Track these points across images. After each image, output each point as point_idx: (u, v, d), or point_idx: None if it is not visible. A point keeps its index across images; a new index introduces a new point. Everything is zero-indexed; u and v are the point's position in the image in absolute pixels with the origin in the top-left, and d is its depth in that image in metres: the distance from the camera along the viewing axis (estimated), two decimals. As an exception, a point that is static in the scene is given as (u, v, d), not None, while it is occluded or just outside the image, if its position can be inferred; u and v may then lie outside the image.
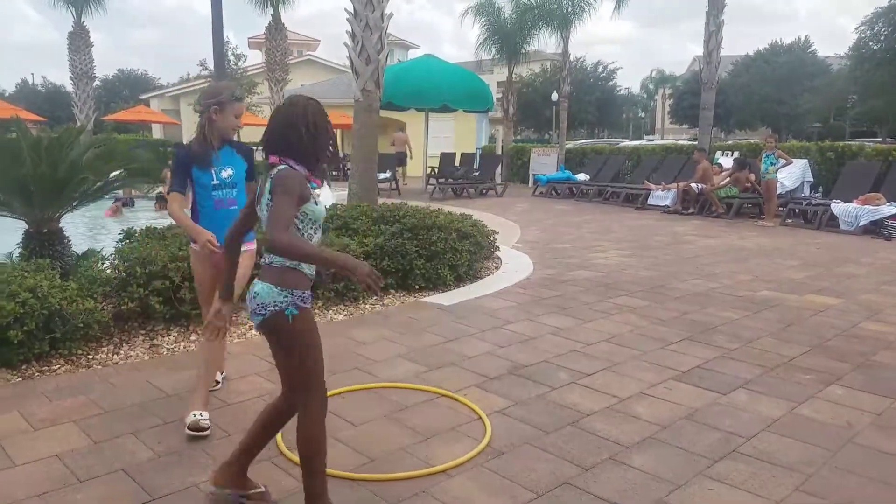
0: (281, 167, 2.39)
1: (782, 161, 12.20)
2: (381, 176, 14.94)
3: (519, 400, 3.77)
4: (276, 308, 2.34)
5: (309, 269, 2.42)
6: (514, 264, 7.69)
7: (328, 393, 3.75)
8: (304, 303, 2.39)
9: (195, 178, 3.49)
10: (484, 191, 17.55)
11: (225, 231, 3.00)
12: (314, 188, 2.45)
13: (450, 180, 17.25)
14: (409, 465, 3.01)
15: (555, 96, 25.26)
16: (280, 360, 2.45)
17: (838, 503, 2.75)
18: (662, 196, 14.53)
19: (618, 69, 45.18)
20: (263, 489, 2.66)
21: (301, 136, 2.39)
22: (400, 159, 19.79)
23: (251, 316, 2.42)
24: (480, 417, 3.50)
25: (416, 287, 6.23)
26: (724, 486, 2.88)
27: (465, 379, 4.08)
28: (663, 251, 9.01)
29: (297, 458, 2.97)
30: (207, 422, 3.26)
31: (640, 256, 8.56)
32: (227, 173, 3.50)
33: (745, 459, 3.11)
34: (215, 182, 3.48)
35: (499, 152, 23.02)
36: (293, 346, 2.40)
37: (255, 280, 2.43)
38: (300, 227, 2.41)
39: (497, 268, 7.49)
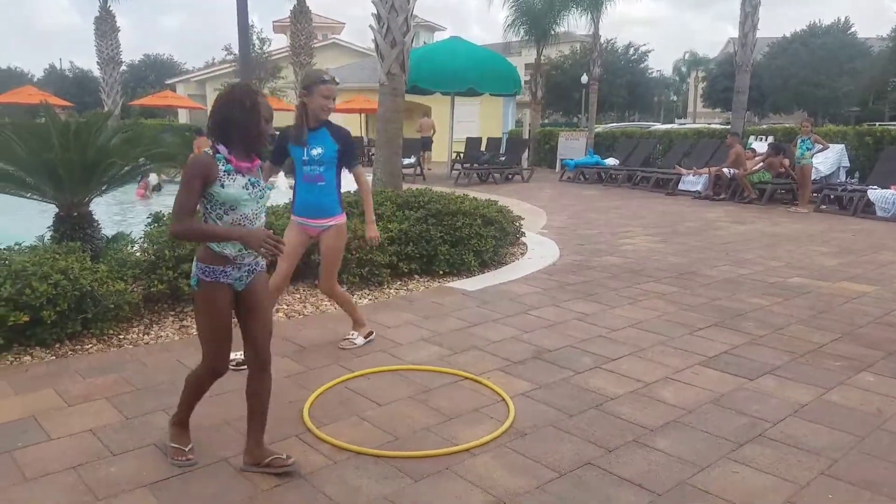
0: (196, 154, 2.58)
1: (818, 146, 11.93)
2: (406, 161, 14.93)
3: (543, 383, 3.77)
4: (193, 277, 2.66)
5: (219, 247, 2.60)
6: (539, 250, 7.66)
7: (353, 374, 3.82)
8: (206, 276, 2.61)
9: (291, 153, 4.06)
10: (510, 176, 17.45)
11: (310, 201, 4.04)
12: (229, 171, 2.57)
13: (475, 165, 17.17)
14: (432, 444, 3.03)
15: (584, 79, 25.03)
16: None
17: (865, 488, 2.71)
18: (694, 181, 14.32)
19: (649, 51, 44.65)
20: (283, 455, 2.74)
21: (223, 120, 2.58)
22: (425, 144, 19.74)
23: None
24: (504, 400, 3.51)
25: (441, 272, 6.23)
26: (749, 469, 2.85)
27: (489, 363, 4.09)
28: (693, 237, 8.91)
29: (323, 435, 3.04)
30: (355, 339, 4.34)
31: (669, 242, 8.48)
32: (316, 151, 3.98)
33: (772, 444, 3.08)
34: (305, 158, 4.00)
35: (526, 136, 22.87)
36: (196, 311, 2.72)
37: None
38: (208, 208, 2.60)
39: (522, 254, 7.46)
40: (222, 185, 2.55)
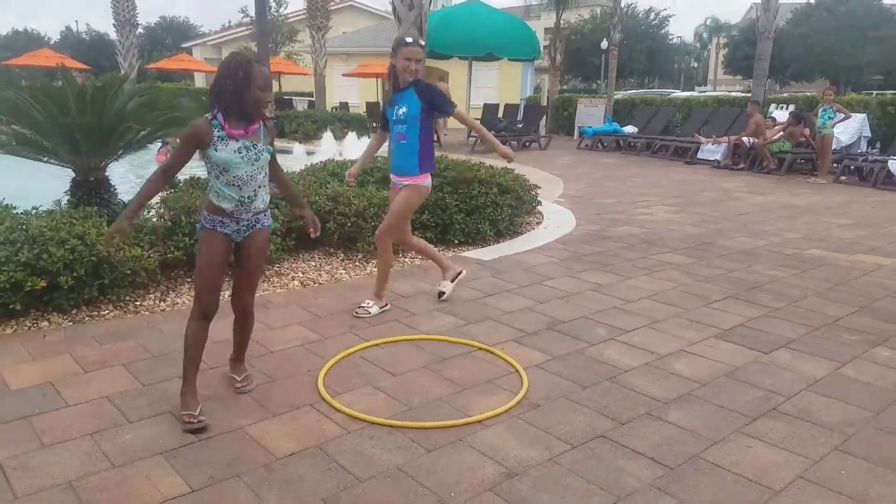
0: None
1: (840, 115, 11.70)
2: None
3: (556, 355, 3.77)
4: (199, 223, 2.98)
5: (218, 200, 2.87)
6: (555, 219, 7.62)
7: (368, 344, 3.84)
8: (207, 223, 2.92)
9: (387, 114, 4.23)
10: (527, 143, 17.28)
11: (395, 160, 4.20)
12: (223, 136, 2.78)
13: (492, 132, 16.97)
14: (446, 414, 3.05)
15: (604, 44, 24.58)
16: None
17: (878, 464, 2.70)
18: (713, 150, 14.14)
19: (670, 16, 44.00)
20: (238, 377, 3.27)
21: (219, 90, 2.77)
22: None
23: None
24: (517, 371, 3.52)
25: (456, 242, 6.21)
26: (762, 443, 2.85)
27: (503, 333, 4.10)
28: (711, 207, 8.82)
29: (337, 404, 3.07)
30: (370, 308, 4.33)
31: (686, 213, 8.40)
32: (401, 111, 4.09)
33: (785, 418, 3.07)
34: (394, 118, 4.15)
35: (544, 103, 22.57)
36: (196, 252, 2.99)
37: None
38: (208, 167, 2.88)
39: (538, 223, 7.42)
40: (215, 150, 2.80)
